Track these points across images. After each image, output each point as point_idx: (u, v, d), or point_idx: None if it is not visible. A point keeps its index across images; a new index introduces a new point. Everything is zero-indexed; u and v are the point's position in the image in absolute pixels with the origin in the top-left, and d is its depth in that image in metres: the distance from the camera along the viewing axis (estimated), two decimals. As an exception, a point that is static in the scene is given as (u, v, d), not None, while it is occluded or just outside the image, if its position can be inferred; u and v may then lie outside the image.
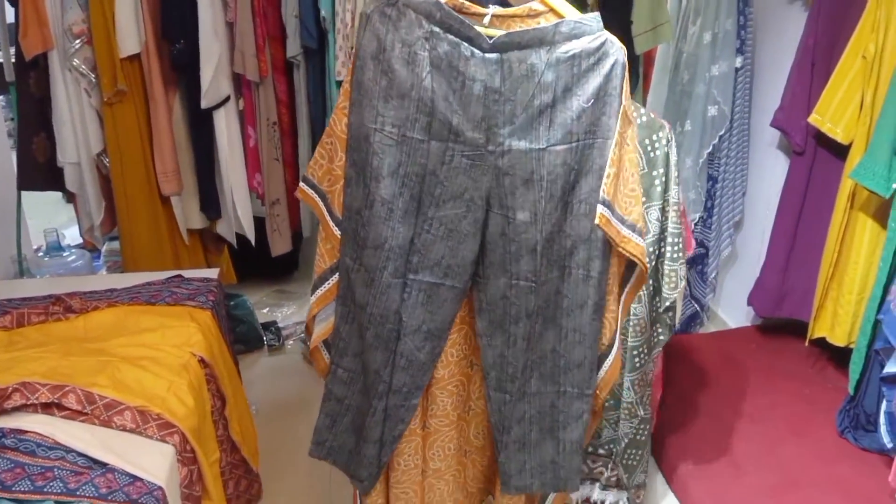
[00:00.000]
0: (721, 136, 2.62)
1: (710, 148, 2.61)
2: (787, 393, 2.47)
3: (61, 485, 1.26)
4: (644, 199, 1.64)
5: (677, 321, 1.81)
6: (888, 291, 1.97)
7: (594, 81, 1.17)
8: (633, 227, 1.24)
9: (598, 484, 2.06)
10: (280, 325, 3.05)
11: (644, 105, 2.76)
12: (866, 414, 2.19)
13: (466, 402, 1.44)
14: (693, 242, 1.94)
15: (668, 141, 1.63)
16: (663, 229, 1.70)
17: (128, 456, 1.35)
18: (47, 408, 1.40)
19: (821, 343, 2.50)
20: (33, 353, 1.59)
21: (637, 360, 1.82)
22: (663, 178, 1.65)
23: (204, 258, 2.75)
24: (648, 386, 1.88)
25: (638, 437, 1.94)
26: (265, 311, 3.21)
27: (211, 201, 2.53)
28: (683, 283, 1.73)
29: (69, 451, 1.34)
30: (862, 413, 2.21)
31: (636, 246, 1.24)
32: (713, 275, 2.84)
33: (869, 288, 2.20)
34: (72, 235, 3.51)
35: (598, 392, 1.39)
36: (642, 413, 1.89)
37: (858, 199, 2.24)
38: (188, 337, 1.72)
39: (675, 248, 1.69)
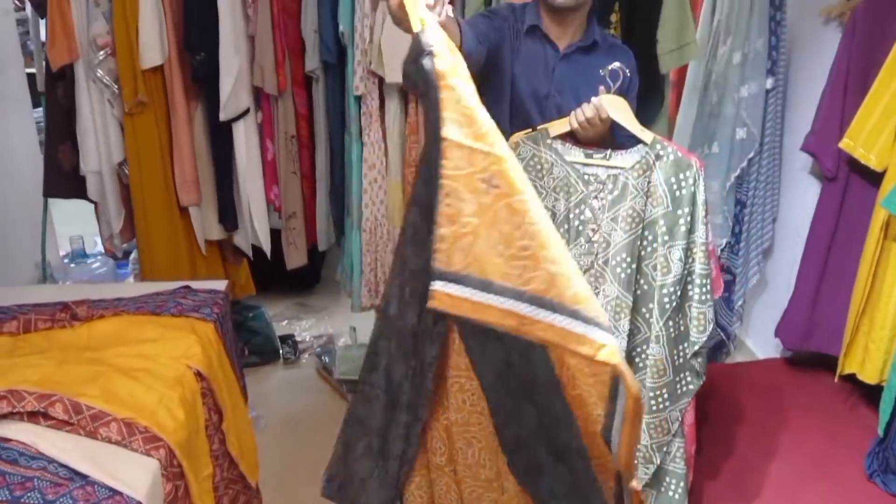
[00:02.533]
0: (750, 160, 2.54)
1: (739, 171, 2.53)
2: (813, 431, 2.36)
3: (39, 496, 1.25)
4: (667, 238, 1.62)
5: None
6: (919, 328, 1.86)
7: None
8: None
9: None
10: (297, 338, 3.05)
11: (672, 126, 2.69)
12: (896, 457, 2.07)
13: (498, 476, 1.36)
14: (722, 284, 1.86)
15: (695, 180, 1.59)
16: (690, 271, 1.65)
17: (110, 468, 1.33)
18: (34, 416, 1.40)
19: (852, 378, 2.38)
20: (31, 359, 1.60)
21: (654, 402, 1.72)
22: (688, 218, 1.61)
23: (223, 269, 2.76)
24: (670, 435, 1.77)
25: (670, 493, 1.82)
26: (284, 323, 3.21)
27: (228, 212, 2.53)
28: (712, 325, 1.66)
29: (51, 461, 1.33)
30: (892, 456, 2.09)
31: None
32: (740, 303, 2.74)
33: (902, 323, 2.09)
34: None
35: None
36: (657, 460, 1.78)
37: (893, 229, 2.13)
38: (186, 349, 1.71)
39: (704, 289, 1.65)
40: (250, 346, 2.87)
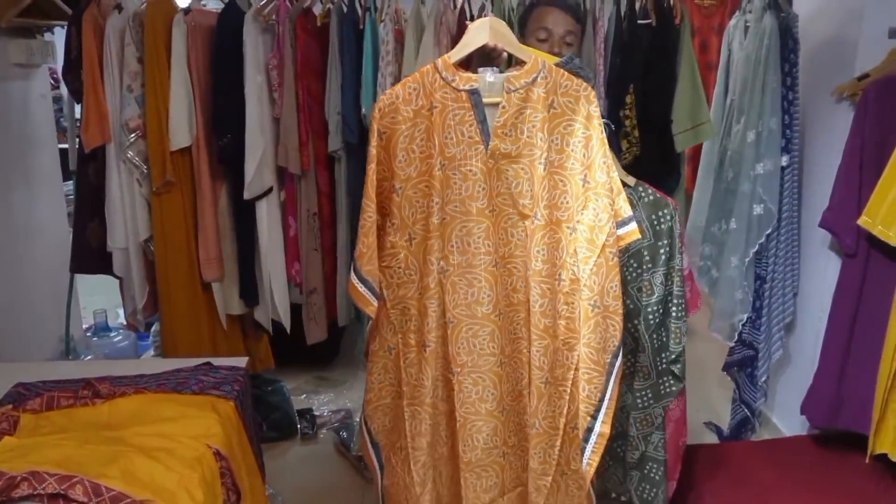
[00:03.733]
0: (768, 235, 2.54)
1: (757, 247, 2.53)
2: (845, 513, 2.28)
3: (56, 581, 1.24)
4: (651, 265, 1.92)
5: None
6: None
7: None
8: None
9: None
10: (315, 412, 3.03)
11: (689, 202, 2.72)
12: (933, 543, 1.99)
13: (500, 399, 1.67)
14: (699, 302, 2.08)
15: (671, 217, 1.88)
16: (668, 292, 1.93)
17: (127, 553, 1.33)
18: (54, 499, 1.40)
19: (886, 457, 2.31)
20: (53, 439, 1.60)
21: (640, 400, 2.03)
22: (667, 248, 1.89)
23: (243, 343, 2.78)
24: (653, 427, 2.03)
25: (651, 474, 2.07)
26: (302, 396, 3.20)
27: (250, 288, 2.57)
28: (686, 338, 1.96)
29: (70, 545, 1.33)
30: (929, 542, 2.01)
31: None
32: (763, 378, 2.70)
33: (932, 402, 2.04)
34: (126, 314, 3.64)
35: None
36: (643, 448, 2.04)
37: (916, 305, 2.11)
38: (206, 428, 1.71)
39: (679, 307, 1.94)
40: (268, 421, 2.86)
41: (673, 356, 1.96)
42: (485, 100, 1.52)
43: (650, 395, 2.03)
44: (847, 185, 2.35)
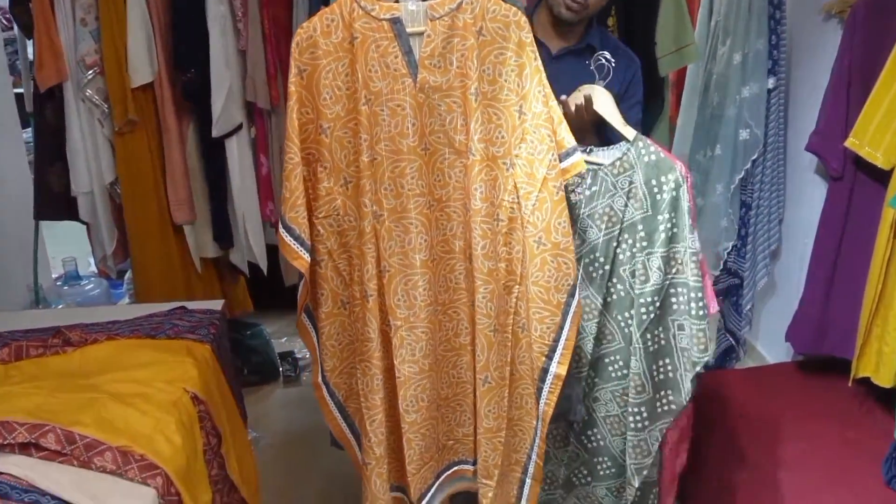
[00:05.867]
0: (754, 161, 2.49)
1: (743, 173, 2.48)
2: (828, 437, 2.29)
3: (31, 532, 1.20)
4: (646, 244, 1.57)
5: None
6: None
7: None
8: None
9: None
10: (297, 354, 2.99)
11: (673, 129, 2.66)
12: (915, 462, 2.01)
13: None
14: (715, 301, 1.62)
15: (677, 185, 1.51)
16: (685, 284, 1.55)
17: (105, 499, 1.29)
18: (25, 448, 1.35)
19: (867, 382, 2.33)
20: (24, 388, 1.55)
21: (633, 421, 1.65)
22: (669, 225, 1.53)
23: (219, 287, 2.71)
24: (651, 457, 1.70)
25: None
26: (283, 340, 3.16)
27: (223, 230, 2.49)
28: (713, 344, 1.62)
29: (44, 493, 1.29)
30: (910, 460, 2.03)
31: None
32: (748, 306, 2.69)
33: (917, 324, 2.04)
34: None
35: None
36: (637, 483, 1.71)
37: (903, 228, 2.08)
38: (182, 372, 1.67)
39: (700, 304, 1.54)
40: (249, 365, 2.83)
41: (697, 368, 1.56)
42: (408, 29, 1.42)
43: (646, 415, 1.65)
44: (834, 107, 2.30)
